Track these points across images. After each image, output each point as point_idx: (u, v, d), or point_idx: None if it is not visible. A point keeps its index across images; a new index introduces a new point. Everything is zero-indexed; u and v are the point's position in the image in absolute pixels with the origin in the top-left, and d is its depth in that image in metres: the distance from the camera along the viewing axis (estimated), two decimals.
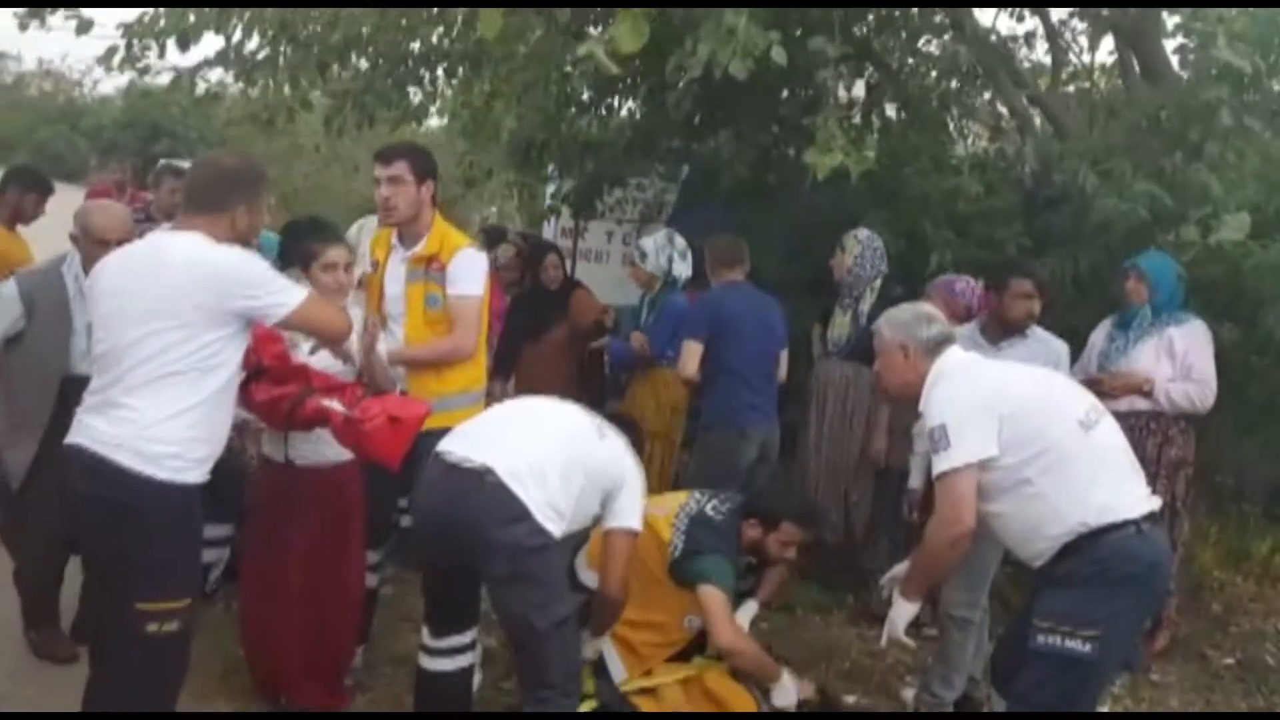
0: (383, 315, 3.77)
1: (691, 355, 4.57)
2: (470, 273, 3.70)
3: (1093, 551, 2.73)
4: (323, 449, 3.37)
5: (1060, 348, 4.22)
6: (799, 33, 4.69)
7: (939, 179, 5.31)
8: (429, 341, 3.74)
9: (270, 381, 3.22)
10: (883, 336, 3.11)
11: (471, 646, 3.25)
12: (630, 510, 3.26)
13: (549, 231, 8.34)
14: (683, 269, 5.17)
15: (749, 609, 3.84)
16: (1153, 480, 4.40)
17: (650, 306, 5.29)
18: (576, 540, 3.54)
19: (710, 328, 4.58)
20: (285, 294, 2.75)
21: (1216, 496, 6.44)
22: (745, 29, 3.43)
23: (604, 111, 7.12)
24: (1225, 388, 4.46)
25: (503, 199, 11.77)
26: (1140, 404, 4.39)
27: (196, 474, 2.70)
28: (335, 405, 3.10)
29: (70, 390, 3.20)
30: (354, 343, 3.28)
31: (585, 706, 3.25)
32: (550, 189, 7.94)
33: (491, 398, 4.22)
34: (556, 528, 2.95)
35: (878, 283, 4.93)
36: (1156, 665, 4.58)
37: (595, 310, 5.85)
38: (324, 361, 3.35)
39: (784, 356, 4.90)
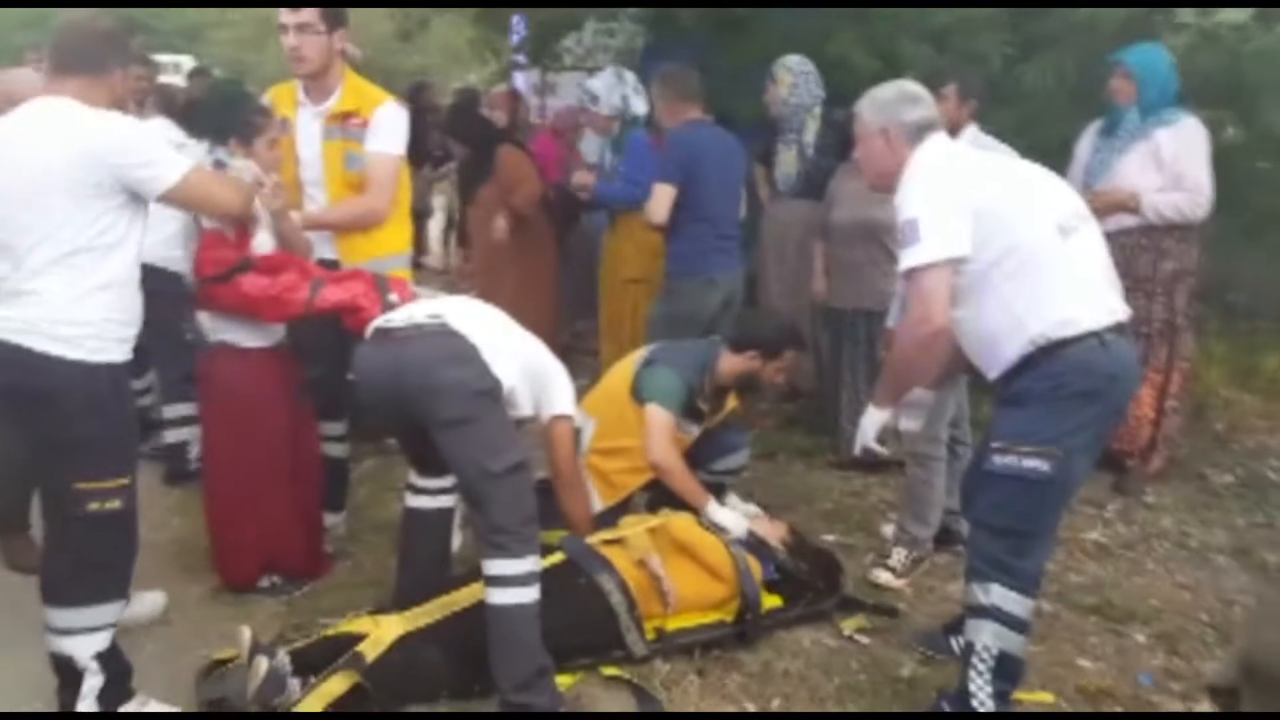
0: (297, 179, 3.54)
1: (663, 199, 4.27)
2: (392, 129, 3.50)
3: (1049, 365, 2.51)
4: (256, 331, 3.30)
5: (1000, 149, 3.70)
6: None
7: None
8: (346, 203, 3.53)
9: (259, 273, 3.15)
10: (863, 119, 2.80)
11: (452, 490, 3.17)
12: (562, 397, 3.17)
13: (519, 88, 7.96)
14: (639, 104, 4.88)
15: (741, 510, 3.74)
16: (1150, 296, 4.22)
17: (616, 150, 5.02)
18: None
19: (683, 171, 4.28)
20: (165, 166, 2.59)
21: (1228, 314, 6.21)
22: None
23: None
24: (1227, 192, 4.17)
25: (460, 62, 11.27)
26: (1128, 221, 4.13)
27: (117, 353, 2.62)
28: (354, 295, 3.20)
29: None
30: (262, 214, 3.15)
31: (550, 560, 3.15)
32: (515, 43, 7.54)
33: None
34: (505, 376, 2.82)
35: (817, 110, 4.65)
36: (1152, 487, 4.44)
37: (528, 181, 5.45)
38: (261, 242, 3.25)
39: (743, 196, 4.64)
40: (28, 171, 2.48)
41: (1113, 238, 4.12)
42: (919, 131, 2.73)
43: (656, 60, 6.43)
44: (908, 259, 2.56)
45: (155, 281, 3.56)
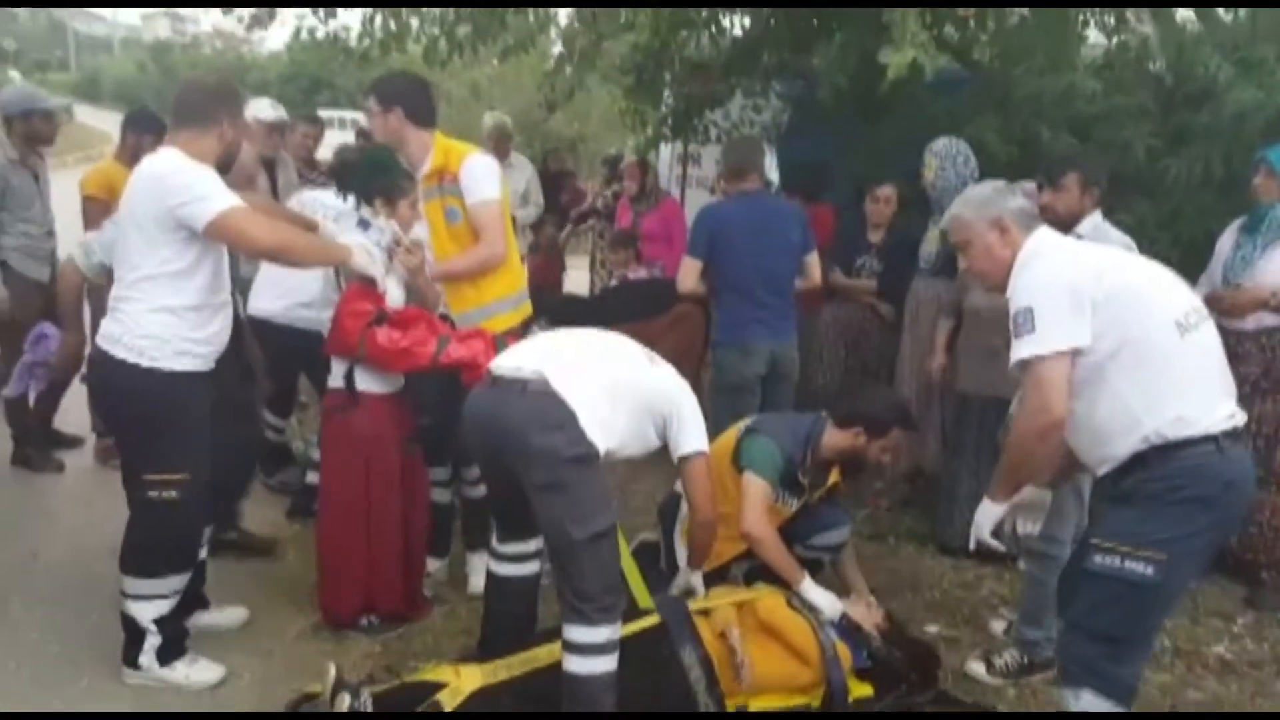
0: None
1: (686, 271, 4.48)
2: (483, 177, 3.64)
3: (1162, 465, 2.41)
4: (378, 378, 3.46)
5: (1121, 240, 3.59)
6: None
7: (1054, 78, 4.84)
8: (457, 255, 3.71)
9: (393, 326, 3.36)
10: (966, 220, 2.77)
11: (536, 555, 3.22)
12: (693, 433, 3.12)
13: (662, 160, 8.15)
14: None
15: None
16: None
17: None
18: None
19: (706, 244, 4.43)
20: (205, 203, 2.90)
21: None
22: None
23: (714, 30, 6.82)
24: None
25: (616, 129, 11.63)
26: (1269, 319, 3.94)
27: (180, 362, 3.01)
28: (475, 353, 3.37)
29: None
30: (370, 268, 3.34)
31: (641, 624, 3.16)
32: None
33: None
34: (601, 440, 2.82)
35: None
36: None
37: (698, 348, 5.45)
38: (392, 295, 3.45)
39: (812, 263, 4.60)
40: (126, 209, 3.01)
41: (1253, 335, 3.98)
42: (1030, 219, 2.70)
43: (797, 138, 6.55)
44: (1024, 348, 2.51)
45: (306, 341, 3.97)
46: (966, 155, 4.53)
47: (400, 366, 3.42)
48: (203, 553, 3.39)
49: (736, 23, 6.91)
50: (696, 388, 4.84)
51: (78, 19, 57.54)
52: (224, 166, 3.11)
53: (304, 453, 5.00)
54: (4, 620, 3.54)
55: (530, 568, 3.22)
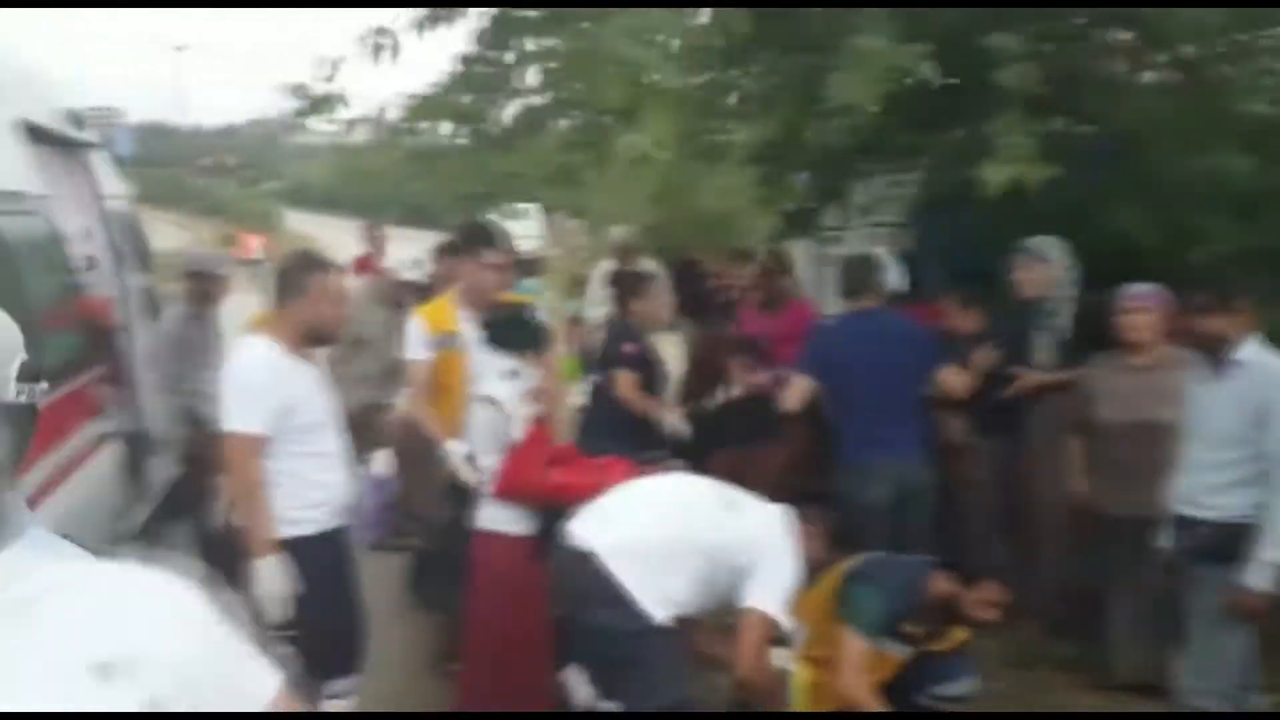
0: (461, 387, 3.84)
1: (794, 389, 4.32)
2: None
3: None
4: (523, 519, 3.50)
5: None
6: None
7: (1202, 157, 4.43)
8: None
9: (563, 466, 3.49)
10: None
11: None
12: (765, 589, 2.98)
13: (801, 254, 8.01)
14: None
15: None
16: None
17: None
18: None
19: (818, 363, 4.30)
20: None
21: None
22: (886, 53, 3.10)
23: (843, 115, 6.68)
24: None
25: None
26: None
27: (292, 529, 3.05)
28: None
29: None
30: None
31: None
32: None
33: None
34: (662, 611, 2.81)
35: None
36: None
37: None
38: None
39: (951, 377, 4.35)
40: None
41: None
42: None
43: (935, 216, 6.25)
44: None
45: None
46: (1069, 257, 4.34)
47: (571, 499, 3.39)
48: None
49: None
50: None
51: (290, 131, 62.66)
52: (314, 338, 3.23)
53: None
54: None
55: None
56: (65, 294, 4.42)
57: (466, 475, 3.42)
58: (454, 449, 3.42)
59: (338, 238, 30.67)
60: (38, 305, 3.95)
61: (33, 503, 3.41)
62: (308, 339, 3.18)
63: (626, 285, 4.77)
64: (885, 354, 4.24)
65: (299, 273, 3.16)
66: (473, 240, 3.95)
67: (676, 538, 2.92)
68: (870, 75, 3.18)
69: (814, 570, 3.28)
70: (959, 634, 3.50)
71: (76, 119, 5.61)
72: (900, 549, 3.79)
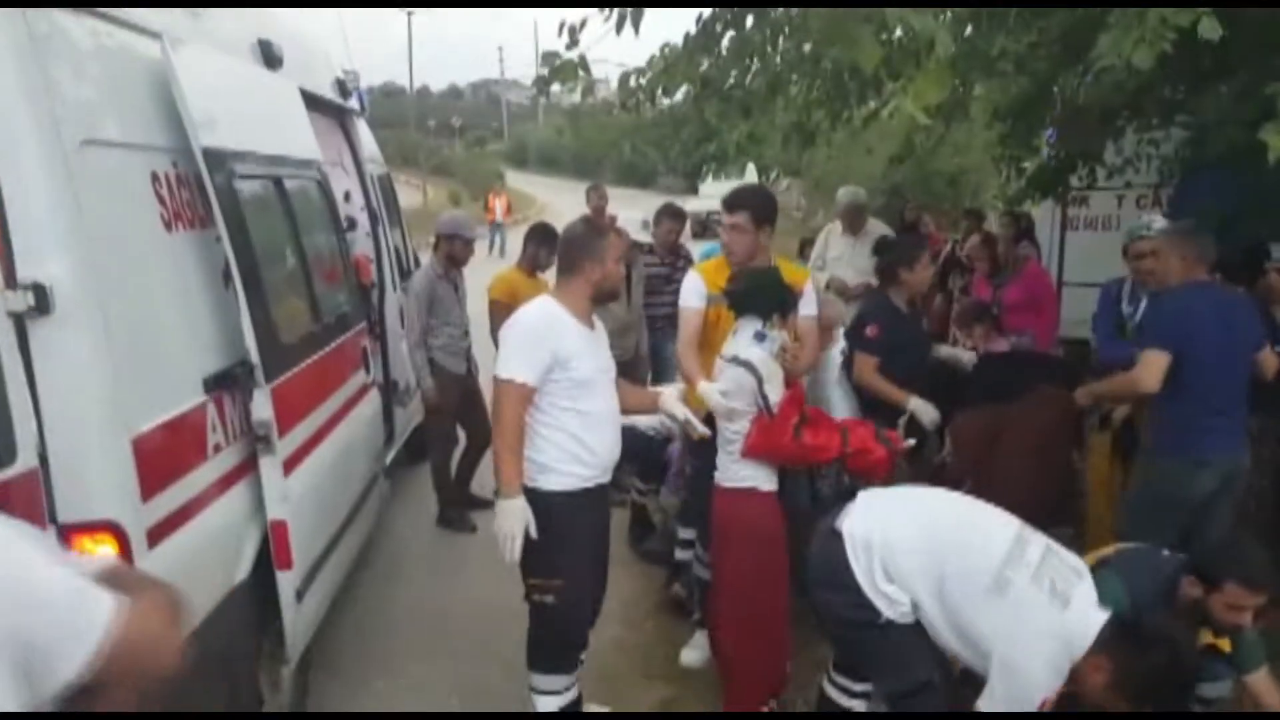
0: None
1: (1154, 367, 3.74)
2: (811, 299, 4.03)
3: None
4: (769, 475, 3.56)
5: None
6: None
7: None
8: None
9: (808, 427, 3.50)
10: None
11: (864, 695, 3.17)
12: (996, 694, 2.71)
13: (1043, 206, 7.61)
14: None
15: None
16: None
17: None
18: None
19: (1176, 337, 3.76)
20: (501, 363, 3.20)
21: None
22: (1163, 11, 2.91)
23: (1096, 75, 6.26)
24: None
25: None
26: None
27: (550, 482, 3.18)
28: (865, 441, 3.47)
29: None
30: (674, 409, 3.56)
31: None
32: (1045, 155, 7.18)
33: None
34: (891, 610, 2.81)
35: None
36: None
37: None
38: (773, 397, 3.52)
39: (1267, 357, 3.95)
40: None
41: None
42: None
43: (1199, 178, 5.77)
44: None
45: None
46: None
47: (819, 459, 3.52)
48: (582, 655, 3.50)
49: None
50: (1060, 488, 4.54)
51: (510, 91, 64.73)
52: (604, 296, 3.38)
53: (663, 524, 5.26)
54: (406, 675, 4.05)
55: (855, 704, 3.18)
56: (343, 254, 4.81)
57: (720, 409, 3.44)
58: (710, 389, 3.47)
59: (558, 197, 31.71)
60: (321, 265, 4.34)
61: (317, 439, 3.83)
62: (598, 297, 3.35)
63: (900, 255, 4.56)
64: (1232, 331, 3.84)
65: (592, 238, 3.33)
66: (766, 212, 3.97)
67: (937, 551, 2.84)
68: (1145, 33, 2.95)
69: None
70: (1206, 636, 3.25)
71: (343, 87, 6.04)
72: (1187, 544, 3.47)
